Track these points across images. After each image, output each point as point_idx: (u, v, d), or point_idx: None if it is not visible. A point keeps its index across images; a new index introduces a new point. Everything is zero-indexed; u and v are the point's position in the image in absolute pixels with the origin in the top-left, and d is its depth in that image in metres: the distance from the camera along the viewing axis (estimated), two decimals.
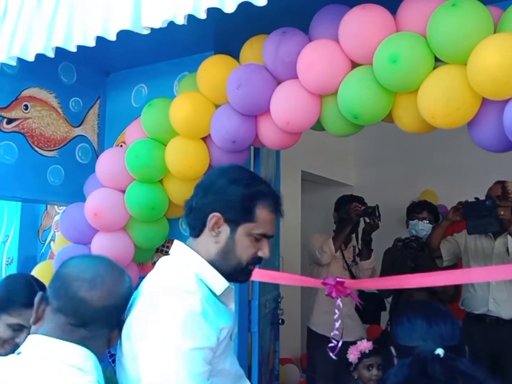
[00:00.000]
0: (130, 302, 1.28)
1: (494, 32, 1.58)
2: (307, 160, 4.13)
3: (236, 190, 1.27)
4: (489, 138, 1.68)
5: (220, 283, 1.27)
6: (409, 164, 4.43)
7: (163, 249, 2.49)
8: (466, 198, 3.11)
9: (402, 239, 3.07)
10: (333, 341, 2.38)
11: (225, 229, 1.27)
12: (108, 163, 2.28)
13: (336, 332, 2.30)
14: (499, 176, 3.16)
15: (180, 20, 1.59)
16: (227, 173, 1.32)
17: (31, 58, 1.80)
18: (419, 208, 3.13)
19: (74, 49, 1.74)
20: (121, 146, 2.52)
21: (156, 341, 1.13)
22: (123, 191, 2.27)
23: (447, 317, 1.31)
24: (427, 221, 3.06)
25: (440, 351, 1.20)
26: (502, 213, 2.65)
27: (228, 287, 1.29)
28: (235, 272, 1.28)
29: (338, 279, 2.20)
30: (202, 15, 1.56)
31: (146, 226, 2.30)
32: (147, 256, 2.50)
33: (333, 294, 2.18)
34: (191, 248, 1.30)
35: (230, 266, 1.27)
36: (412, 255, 2.93)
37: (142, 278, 2.55)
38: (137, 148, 2.19)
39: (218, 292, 1.26)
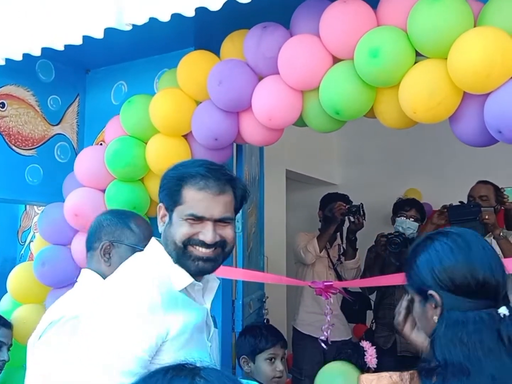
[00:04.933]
0: None
1: (474, 26, 1.58)
2: (291, 159, 4.11)
3: (166, 176, 1.27)
4: (470, 132, 1.68)
5: (181, 279, 1.24)
6: (393, 163, 4.43)
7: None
8: (450, 195, 3.12)
9: (385, 235, 3.04)
10: (324, 333, 2.37)
11: (167, 217, 1.27)
12: (87, 162, 2.24)
13: (327, 326, 2.30)
14: (483, 174, 3.18)
15: (166, 18, 1.58)
16: (174, 164, 1.32)
17: (18, 57, 1.83)
18: (407, 206, 3.06)
19: (61, 48, 1.77)
20: (101, 144, 2.48)
21: None
22: (103, 190, 2.23)
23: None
24: (414, 220, 3.04)
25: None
26: (486, 217, 2.65)
27: (192, 283, 1.25)
28: (179, 257, 1.23)
29: (325, 283, 2.19)
30: (190, 13, 1.55)
31: None
32: None
33: (323, 296, 2.17)
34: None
35: (171, 251, 1.24)
36: (396, 250, 2.91)
37: None
38: (117, 146, 2.15)
39: (178, 288, 1.23)
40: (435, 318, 1.08)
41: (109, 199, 2.19)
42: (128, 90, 2.50)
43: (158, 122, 2.06)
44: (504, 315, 1.02)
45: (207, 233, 1.22)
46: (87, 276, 1.56)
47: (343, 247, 3.32)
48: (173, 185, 1.24)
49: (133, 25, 1.66)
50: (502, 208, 2.95)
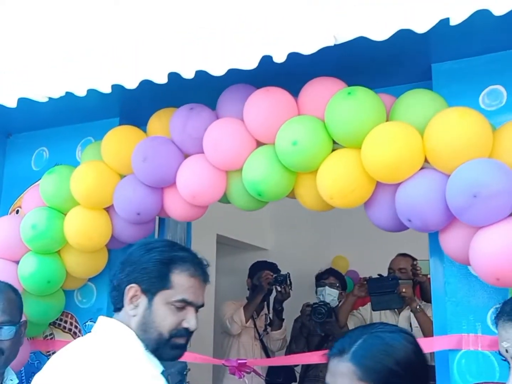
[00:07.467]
0: None
1: (387, 118, 1.69)
2: (222, 224, 4.11)
3: (150, 258, 1.23)
4: (383, 218, 1.76)
5: (153, 369, 1.19)
6: (323, 229, 4.52)
7: (56, 322, 2.32)
8: (375, 264, 3.24)
9: (310, 304, 3.10)
10: None
11: (143, 300, 1.22)
12: (1, 232, 2.12)
13: None
14: (408, 241, 3.31)
15: (82, 92, 1.59)
16: (146, 244, 1.29)
17: None
18: (325, 275, 3.24)
19: None
20: (17, 211, 2.38)
21: None
22: (17, 262, 2.11)
23: None
24: (333, 288, 3.14)
25: None
26: (404, 290, 2.76)
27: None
28: (159, 347, 1.20)
29: (239, 361, 2.15)
30: (107, 90, 1.57)
31: (41, 300, 2.13)
32: (40, 330, 2.31)
33: (236, 375, 2.12)
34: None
35: (152, 340, 1.20)
36: (321, 320, 2.96)
37: (33, 353, 2.33)
38: (34, 217, 2.06)
39: None
40: None
41: (22, 272, 2.07)
42: (49, 157, 2.44)
43: (79, 194, 2.01)
44: None
45: (191, 320, 1.22)
46: None
47: (269, 317, 3.30)
48: (161, 268, 1.22)
49: None
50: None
